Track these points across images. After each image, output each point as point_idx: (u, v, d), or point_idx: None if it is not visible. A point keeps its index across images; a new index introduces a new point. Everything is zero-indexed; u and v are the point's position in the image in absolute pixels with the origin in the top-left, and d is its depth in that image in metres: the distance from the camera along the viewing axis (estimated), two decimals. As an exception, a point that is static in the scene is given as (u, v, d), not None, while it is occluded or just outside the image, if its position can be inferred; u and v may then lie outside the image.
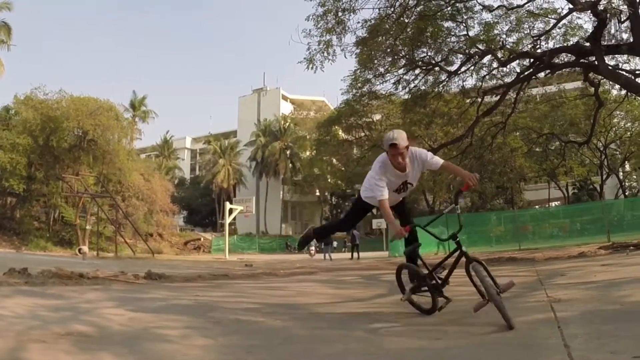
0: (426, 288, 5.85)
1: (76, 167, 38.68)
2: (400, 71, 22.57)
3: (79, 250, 31.04)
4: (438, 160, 6.00)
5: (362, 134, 48.74)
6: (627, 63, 21.16)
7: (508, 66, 21.74)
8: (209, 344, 4.30)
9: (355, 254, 36.01)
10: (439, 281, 5.79)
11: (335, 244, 43.85)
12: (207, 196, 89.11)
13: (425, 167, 6.13)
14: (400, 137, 5.75)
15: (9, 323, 4.79)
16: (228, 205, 46.96)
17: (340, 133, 52.35)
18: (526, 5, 20.01)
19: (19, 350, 3.77)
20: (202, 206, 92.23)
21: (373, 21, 20.13)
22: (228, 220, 46.50)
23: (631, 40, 17.93)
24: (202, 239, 58.97)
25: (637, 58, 20.24)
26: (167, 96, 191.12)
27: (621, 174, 54.23)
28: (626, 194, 54.25)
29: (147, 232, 45.64)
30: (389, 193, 5.93)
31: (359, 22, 20.76)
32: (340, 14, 19.86)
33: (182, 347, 4.13)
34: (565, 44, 20.51)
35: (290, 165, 79.73)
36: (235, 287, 10.61)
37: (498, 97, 22.56)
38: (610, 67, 19.18)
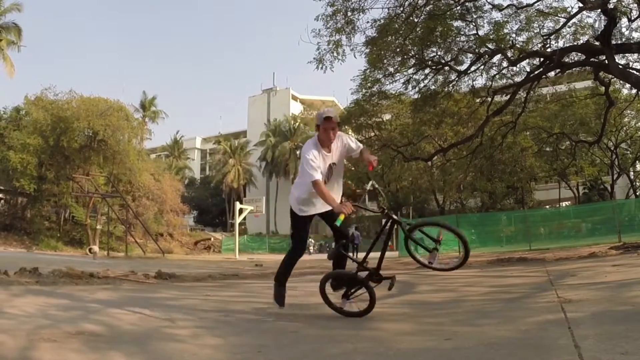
0: (359, 285, 5.71)
1: (87, 167, 38.83)
2: (410, 71, 22.56)
3: (90, 250, 31.14)
4: (359, 144, 6.12)
5: (372, 134, 48.71)
6: (638, 62, 21.10)
7: (518, 65, 21.69)
8: (219, 344, 4.31)
9: (355, 254, 36.25)
10: (371, 269, 5.69)
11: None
12: (217, 196, 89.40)
13: (347, 150, 6.11)
14: (335, 112, 5.93)
15: (20, 322, 4.82)
16: (238, 205, 47.05)
17: (350, 133, 52.35)
18: (536, 4, 19.95)
19: (30, 349, 3.78)
20: (212, 206, 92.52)
21: (382, 21, 20.12)
22: (238, 220, 46.57)
23: (642, 39, 17.87)
24: (212, 239, 59.13)
25: (648, 57, 20.18)
26: (177, 96, 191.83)
27: (632, 173, 54.04)
28: (637, 193, 54.09)
29: (157, 232, 45.79)
30: (306, 189, 5.99)
31: (368, 22, 20.79)
32: (349, 13, 19.88)
33: (192, 346, 4.14)
34: (575, 43, 20.45)
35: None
36: (245, 287, 10.64)
37: (508, 96, 22.50)
38: (620, 66, 19.08)
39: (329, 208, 5.78)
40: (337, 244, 6.01)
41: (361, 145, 6.10)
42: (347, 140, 6.12)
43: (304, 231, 6.52)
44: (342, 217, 5.27)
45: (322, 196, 5.63)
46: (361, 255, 6.09)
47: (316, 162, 5.75)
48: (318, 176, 5.66)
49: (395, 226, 5.68)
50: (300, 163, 6.06)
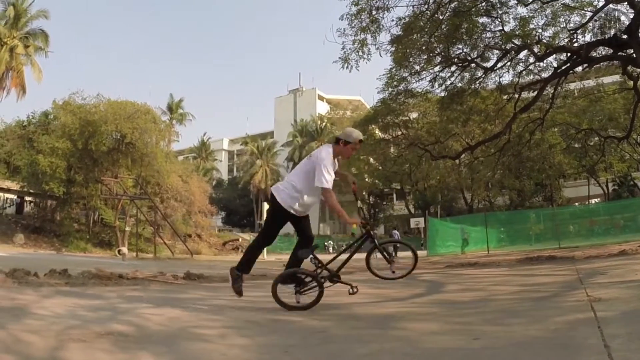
0: (314, 283, 6.25)
1: (115, 169, 39.11)
2: (436, 68, 22.52)
3: (119, 251, 31.45)
4: None
5: (399, 133, 48.55)
6: (667, 55, 20.81)
7: (545, 61, 21.52)
8: (246, 344, 4.31)
9: (395, 254, 36.47)
10: (332, 271, 6.42)
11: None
12: (245, 197, 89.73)
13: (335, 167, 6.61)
14: None
15: (50, 323, 4.86)
16: (266, 206, 47.18)
17: (377, 132, 52.27)
18: (561, -2, 19.83)
19: (59, 349, 3.82)
20: (240, 207, 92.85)
21: (407, 19, 20.12)
22: (266, 220, 46.69)
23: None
24: (240, 240, 59.31)
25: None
26: (203, 98, 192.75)
27: (662, 169, 53.33)
28: (668, 189, 53.38)
29: (185, 233, 46.05)
30: (315, 193, 6.34)
31: (393, 20, 20.82)
32: (374, 12, 19.89)
33: (220, 346, 4.15)
34: (602, 37, 20.23)
35: (327, 164, 79.72)
36: (272, 287, 10.64)
37: (535, 92, 22.34)
38: (649, 60, 18.86)
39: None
40: (309, 249, 6.33)
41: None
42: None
43: (279, 229, 6.73)
44: (355, 226, 5.75)
45: (334, 205, 6.14)
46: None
47: (331, 172, 6.15)
48: (330, 186, 6.09)
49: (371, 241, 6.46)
50: (316, 166, 6.24)
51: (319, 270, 6.25)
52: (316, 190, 6.30)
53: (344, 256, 6.63)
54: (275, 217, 6.61)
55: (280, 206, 6.42)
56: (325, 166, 6.07)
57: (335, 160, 6.41)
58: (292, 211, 6.40)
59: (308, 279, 6.25)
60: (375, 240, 6.37)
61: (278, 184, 6.69)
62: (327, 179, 6.09)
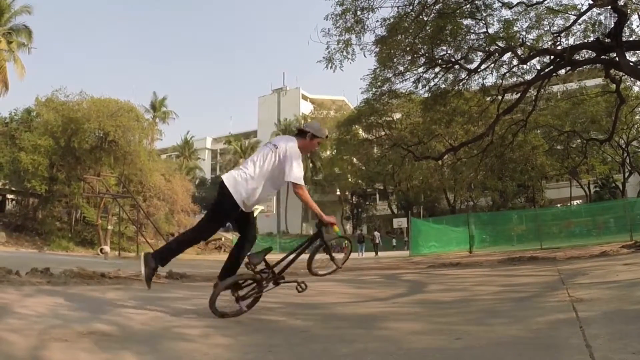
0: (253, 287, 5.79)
1: (97, 167, 38.89)
2: (420, 70, 22.55)
3: (101, 250, 31.25)
4: None
5: (382, 133, 48.70)
6: (649, 59, 20.96)
7: (528, 63, 21.62)
8: (229, 343, 4.30)
9: (375, 253, 36.76)
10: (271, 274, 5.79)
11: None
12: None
13: None
14: None
15: (31, 322, 4.82)
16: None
17: (360, 132, 52.49)
18: (546, 2, 19.93)
19: (41, 348, 3.79)
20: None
21: (392, 20, 20.13)
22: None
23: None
24: (223, 239, 59.08)
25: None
26: (187, 97, 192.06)
27: (644, 171, 53.71)
28: (649, 191, 53.74)
29: (168, 232, 45.81)
30: (273, 188, 5.86)
31: (377, 21, 20.82)
32: (359, 12, 19.88)
33: (202, 346, 4.14)
34: (585, 41, 20.36)
35: (310, 164, 79.69)
36: (255, 287, 10.63)
37: (518, 94, 22.43)
38: (631, 64, 18.99)
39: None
40: (261, 252, 5.83)
41: None
42: None
43: (220, 225, 5.99)
44: (336, 228, 5.51)
45: (309, 203, 5.65)
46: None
47: (301, 166, 5.66)
48: (303, 182, 5.61)
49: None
50: (286, 160, 5.63)
51: (263, 275, 5.73)
52: (276, 185, 5.83)
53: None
54: (221, 211, 5.80)
55: (232, 199, 5.54)
56: (297, 161, 5.58)
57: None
58: (241, 205, 5.61)
59: (248, 283, 5.79)
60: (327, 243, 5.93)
61: (233, 172, 5.76)
62: (301, 174, 5.60)
